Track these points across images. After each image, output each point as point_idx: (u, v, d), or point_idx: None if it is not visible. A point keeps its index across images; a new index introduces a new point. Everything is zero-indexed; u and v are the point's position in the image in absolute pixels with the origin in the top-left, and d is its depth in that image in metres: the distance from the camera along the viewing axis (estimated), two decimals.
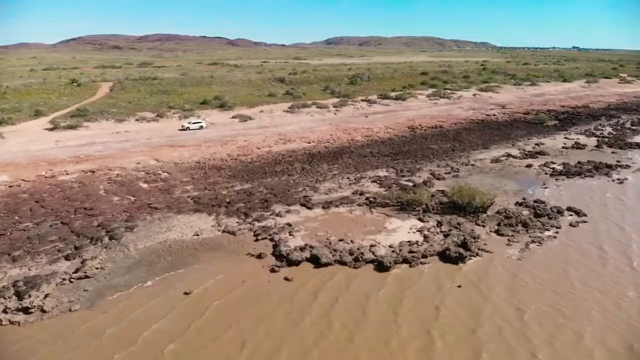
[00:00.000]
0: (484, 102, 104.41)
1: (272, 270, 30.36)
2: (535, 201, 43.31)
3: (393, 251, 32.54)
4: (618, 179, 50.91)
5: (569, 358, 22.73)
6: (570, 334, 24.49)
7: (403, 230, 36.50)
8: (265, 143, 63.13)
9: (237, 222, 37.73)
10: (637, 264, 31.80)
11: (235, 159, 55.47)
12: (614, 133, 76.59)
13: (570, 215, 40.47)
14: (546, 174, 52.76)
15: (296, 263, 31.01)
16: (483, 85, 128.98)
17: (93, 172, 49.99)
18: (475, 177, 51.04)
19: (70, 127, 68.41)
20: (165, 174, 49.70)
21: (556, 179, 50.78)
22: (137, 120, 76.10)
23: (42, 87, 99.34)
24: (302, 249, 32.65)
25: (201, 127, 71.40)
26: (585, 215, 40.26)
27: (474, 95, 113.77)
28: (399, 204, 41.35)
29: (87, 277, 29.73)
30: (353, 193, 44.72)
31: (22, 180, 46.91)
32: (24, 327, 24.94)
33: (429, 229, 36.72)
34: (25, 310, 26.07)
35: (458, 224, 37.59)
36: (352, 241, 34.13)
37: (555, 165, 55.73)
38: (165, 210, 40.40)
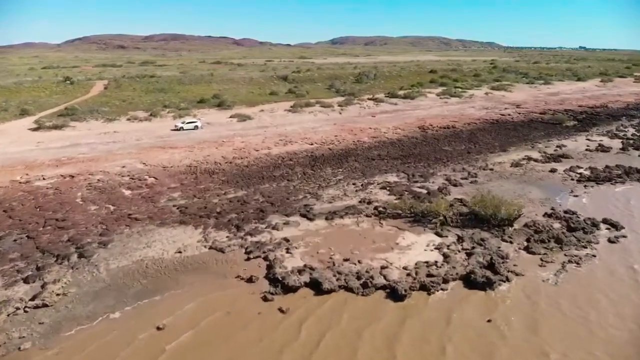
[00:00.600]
0: (497, 102, 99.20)
1: (265, 299, 25.38)
2: (565, 212, 38.22)
3: (408, 274, 27.52)
4: None
5: None
6: None
7: (419, 247, 31.45)
8: (264, 144, 58.23)
9: (227, 237, 32.82)
10: None
11: (231, 162, 50.58)
12: (638, 134, 71.23)
13: (607, 228, 35.34)
14: (572, 179, 47.60)
15: (293, 289, 26.03)
16: (495, 84, 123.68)
17: (72, 177, 45.23)
18: (495, 183, 45.97)
19: (56, 127, 63.80)
20: (151, 179, 44.88)
21: (585, 186, 45.61)
22: (128, 119, 71.44)
23: (33, 85, 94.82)
24: (300, 271, 27.68)
25: (196, 127, 66.67)
26: (623, 228, 35.21)
27: (486, 94, 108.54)
28: (413, 215, 36.32)
29: (45, 305, 25.01)
30: (360, 201, 39.74)
31: None
32: None
33: (448, 245, 31.65)
34: None
35: (482, 239, 32.52)
36: (359, 261, 29.11)
37: (581, 170, 50.50)
38: (147, 221, 35.56)
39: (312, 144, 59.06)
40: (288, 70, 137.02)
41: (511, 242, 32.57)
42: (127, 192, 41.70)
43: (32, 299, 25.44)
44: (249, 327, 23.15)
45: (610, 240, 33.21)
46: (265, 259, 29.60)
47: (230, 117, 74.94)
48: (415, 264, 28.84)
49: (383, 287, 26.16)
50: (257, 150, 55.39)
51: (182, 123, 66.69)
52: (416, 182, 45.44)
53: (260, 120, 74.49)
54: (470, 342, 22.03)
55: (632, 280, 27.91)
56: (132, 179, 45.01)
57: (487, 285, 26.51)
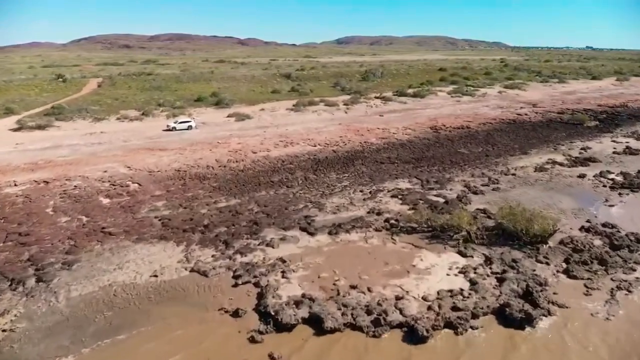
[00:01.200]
0: (512, 100, 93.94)
1: (252, 340, 20.45)
2: (604, 225, 33.15)
3: (429, 308, 22.51)
4: None
5: None
6: None
7: (440, 270, 26.41)
8: (262, 146, 53.34)
9: (212, 256, 27.93)
10: None
11: (224, 166, 45.72)
12: None
13: None
14: (605, 186, 42.45)
15: (288, 327, 21.08)
16: (507, 82, 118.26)
17: (47, 182, 40.53)
18: (519, 190, 40.90)
19: (39, 127, 59.23)
20: (134, 186, 40.11)
21: (619, 194, 40.47)
22: (117, 119, 66.83)
23: (24, 83, 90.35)
24: (298, 302, 22.72)
25: (190, 127, 61.98)
26: None
27: (500, 92, 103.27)
28: (431, 229, 31.32)
29: None
30: (369, 212, 34.77)
31: None
32: None
33: (475, 268, 26.59)
34: None
35: (514, 260, 27.46)
36: (369, 289, 24.11)
37: (613, 176, 45.29)
38: (122, 236, 30.76)
39: (315, 146, 54.14)
40: (292, 69, 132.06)
41: (548, 264, 27.51)
42: (105, 201, 36.93)
43: None
44: None
45: None
46: (256, 285, 24.68)
47: (228, 116, 70.17)
48: (437, 293, 23.81)
49: (399, 325, 21.16)
50: (254, 153, 50.51)
51: (175, 123, 62.04)
52: (431, 189, 40.43)
53: (260, 119, 69.61)
54: None
55: None
56: (113, 185, 40.25)
57: (526, 321, 21.49)
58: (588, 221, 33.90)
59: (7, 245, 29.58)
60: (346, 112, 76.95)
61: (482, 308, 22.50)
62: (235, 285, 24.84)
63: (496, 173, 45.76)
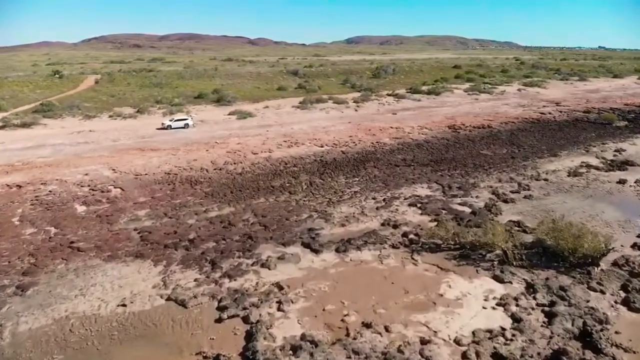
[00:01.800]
0: (533, 99, 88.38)
1: None
2: None
3: (464, 355, 17.48)
4: None
5: None
6: None
7: (474, 301, 21.33)
8: (264, 146, 48.48)
9: (195, 280, 23.06)
10: None
11: (220, 169, 40.93)
12: None
13: None
14: None
15: None
16: (526, 80, 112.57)
17: (20, 187, 36.01)
18: (554, 198, 35.67)
19: (24, 125, 54.93)
20: (116, 191, 35.44)
21: None
22: (110, 116, 62.43)
23: (19, 79, 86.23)
24: (296, 348, 17.79)
25: (186, 126, 57.36)
26: None
27: (519, 90, 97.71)
28: (458, 246, 26.28)
29: None
30: (383, 224, 29.77)
31: None
32: None
33: (516, 299, 21.48)
34: None
35: (562, 288, 22.31)
36: (387, 328, 19.08)
37: None
38: (93, 253, 26.02)
39: (322, 146, 49.18)
40: (300, 66, 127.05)
41: (603, 292, 22.32)
42: (81, 209, 32.25)
43: None
44: None
45: None
46: (245, 320, 19.79)
47: (229, 114, 65.47)
48: (473, 333, 18.75)
49: None
50: (255, 154, 45.66)
51: (170, 121, 57.46)
52: (454, 196, 35.31)
53: (264, 117, 64.77)
54: None
55: None
56: (93, 190, 35.59)
57: None
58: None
59: None
60: (356, 110, 71.88)
61: (531, 356, 17.45)
62: (220, 320, 19.94)
63: (526, 178, 40.54)
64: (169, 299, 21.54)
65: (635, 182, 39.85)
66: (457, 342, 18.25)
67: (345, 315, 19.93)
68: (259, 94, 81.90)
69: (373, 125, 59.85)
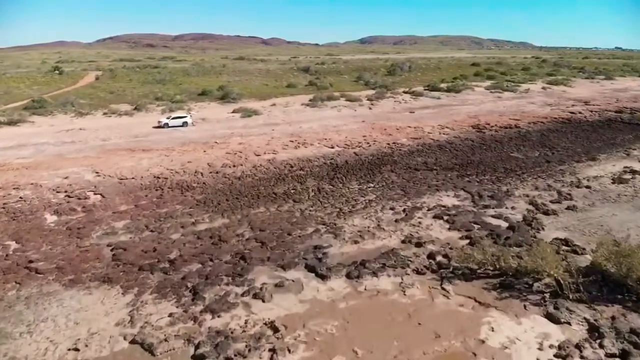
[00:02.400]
0: (560, 97, 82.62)
1: None
2: None
3: None
4: None
5: None
6: None
7: (525, 351, 16.29)
8: (268, 147, 43.74)
9: (169, 316, 18.30)
10: None
11: (217, 172, 36.24)
12: None
13: None
14: None
15: None
16: (549, 78, 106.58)
17: None
18: (601, 209, 30.44)
19: (10, 123, 50.87)
20: (95, 198, 30.89)
21: None
22: (104, 114, 58.18)
23: (17, 75, 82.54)
24: None
25: (185, 124, 52.87)
26: None
27: (543, 88, 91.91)
28: (498, 272, 21.24)
29: None
30: (404, 241, 24.81)
31: None
32: None
33: (580, 347, 16.41)
34: None
35: (634, 331, 17.23)
36: None
37: None
38: (52, 276, 21.43)
39: (332, 147, 44.30)
40: (312, 63, 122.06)
41: None
42: (51, 219, 27.72)
43: None
44: None
45: None
46: None
47: (233, 111, 60.85)
48: None
49: None
50: (257, 155, 40.93)
51: (168, 119, 53.02)
52: (487, 206, 30.19)
53: (270, 116, 59.99)
54: None
55: None
56: (69, 196, 31.07)
57: None
58: None
59: None
60: (370, 108, 66.82)
61: None
62: None
63: (565, 185, 35.28)
64: (134, 341, 16.82)
65: None
66: None
67: None
68: (267, 91, 77.18)
69: (389, 124, 54.78)
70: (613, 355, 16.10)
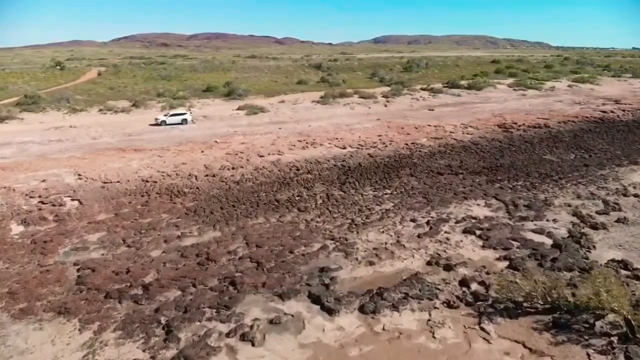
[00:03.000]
0: (588, 96, 77.41)
1: None
2: None
3: None
4: None
5: None
6: None
7: None
8: (273, 147, 39.62)
9: None
10: None
11: (214, 176, 32.18)
12: None
13: None
14: None
15: None
16: (574, 76, 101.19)
17: None
18: None
19: None
20: (71, 205, 27.00)
21: None
22: (100, 110, 54.52)
23: (17, 70, 79.45)
24: None
25: (184, 122, 49.02)
26: None
27: (570, 86, 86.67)
28: (550, 306, 16.87)
29: None
30: (430, 263, 20.52)
31: None
32: None
33: None
34: None
35: None
36: None
37: None
38: (1, 304, 17.48)
39: (344, 148, 40.06)
40: (324, 60, 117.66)
41: None
42: (16, 230, 23.87)
43: None
44: None
45: None
46: None
47: (238, 109, 56.84)
48: None
49: None
50: (261, 156, 36.84)
51: (165, 116, 49.15)
52: (524, 219, 25.73)
53: (277, 113, 55.82)
54: None
55: None
56: (43, 203, 27.21)
57: None
58: None
59: None
60: (386, 106, 62.36)
61: None
62: None
63: (610, 193, 30.66)
64: None
65: None
66: None
67: None
68: (276, 88, 73.10)
69: (406, 122, 50.34)
70: None
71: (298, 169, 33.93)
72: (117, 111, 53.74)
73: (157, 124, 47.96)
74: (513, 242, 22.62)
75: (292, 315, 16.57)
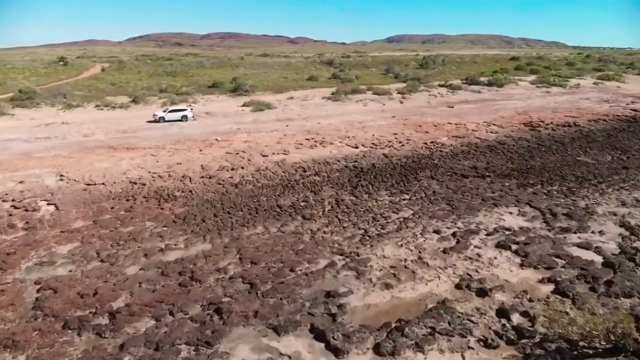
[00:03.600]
0: (615, 93, 72.94)
1: None
2: None
3: None
4: None
5: None
6: None
7: None
8: (279, 146, 36.21)
9: None
10: None
11: (210, 177, 28.84)
12: None
13: None
14: None
15: None
16: (598, 73, 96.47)
17: None
18: None
19: None
20: (46, 210, 23.88)
21: None
22: (97, 106, 51.53)
23: (19, 65, 77.09)
24: None
25: (184, 118, 45.86)
26: None
27: (595, 84, 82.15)
28: (614, 345, 13.23)
29: None
30: (459, 286, 17.00)
31: None
32: None
33: None
34: None
35: None
36: None
37: None
38: None
39: (356, 147, 36.54)
40: (336, 57, 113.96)
41: None
42: None
43: None
44: None
45: None
46: None
47: (243, 105, 53.55)
48: None
49: None
50: (264, 156, 33.44)
51: (164, 112, 45.98)
52: (565, 230, 22.03)
53: (285, 110, 52.37)
54: None
55: None
56: (15, 207, 24.14)
57: None
58: None
59: None
60: (402, 102, 58.64)
61: None
62: None
63: None
64: None
65: None
66: None
67: None
68: (285, 84, 69.70)
69: (424, 120, 46.62)
70: None
71: (305, 170, 30.49)
72: (115, 107, 50.71)
73: (155, 121, 44.85)
74: (556, 260, 18.98)
75: (289, 357, 13.17)
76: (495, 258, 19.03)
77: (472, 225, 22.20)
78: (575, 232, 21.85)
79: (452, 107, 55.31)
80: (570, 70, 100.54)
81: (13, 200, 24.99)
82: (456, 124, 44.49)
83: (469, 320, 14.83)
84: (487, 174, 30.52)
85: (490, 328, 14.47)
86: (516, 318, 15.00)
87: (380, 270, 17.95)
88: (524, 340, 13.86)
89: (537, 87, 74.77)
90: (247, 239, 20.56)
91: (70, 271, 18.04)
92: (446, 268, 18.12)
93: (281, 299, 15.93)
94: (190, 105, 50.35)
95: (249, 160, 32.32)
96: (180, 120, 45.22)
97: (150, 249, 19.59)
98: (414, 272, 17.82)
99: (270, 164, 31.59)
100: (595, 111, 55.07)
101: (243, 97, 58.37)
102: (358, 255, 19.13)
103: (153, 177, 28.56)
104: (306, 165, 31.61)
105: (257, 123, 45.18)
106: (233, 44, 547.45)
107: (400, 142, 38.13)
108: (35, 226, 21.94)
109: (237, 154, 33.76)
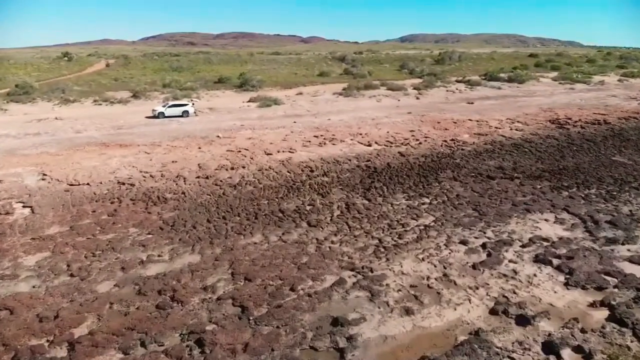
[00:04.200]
0: None
1: None
2: None
3: None
4: None
5: None
6: None
7: None
8: (285, 143, 33.39)
9: None
10: None
11: (207, 178, 26.11)
12: None
13: None
14: None
15: None
16: (622, 70, 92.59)
17: None
18: None
19: None
20: (20, 213, 21.31)
21: None
22: (95, 101, 49.18)
23: (23, 61, 75.22)
24: None
25: (185, 114, 43.39)
26: None
27: (620, 81, 78.44)
28: None
29: None
30: (494, 311, 14.00)
31: None
32: None
33: None
34: None
35: None
36: None
37: None
38: None
39: (369, 145, 33.60)
40: (349, 53, 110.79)
41: None
42: None
43: None
44: None
45: None
46: None
47: (249, 101, 50.89)
48: None
49: None
50: (268, 154, 30.66)
51: (163, 107, 43.47)
52: (612, 241, 18.90)
53: (293, 106, 49.55)
54: None
55: None
56: None
57: None
58: None
59: None
60: (418, 98, 55.56)
61: None
62: None
63: None
64: None
65: None
66: None
67: None
68: (294, 80, 66.84)
69: (443, 116, 43.54)
70: None
71: (312, 170, 27.62)
72: (114, 102, 48.33)
73: (154, 117, 42.34)
74: (607, 278, 15.91)
75: None
76: (535, 275, 16.00)
77: (504, 235, 19.18)
78: (623, 244, 18.73)
79: (472, 103, 52.10)
80: (592, 67, 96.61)
81: None
82: (477, 121, 41.34)
83: (509, 358, 11.88)
84: (516, 175, 27.41)
85: None
86: (568, 355, 12.01)
87: (399, 290, 15.02)
88: None
89: (560, 83, 71.23)
90: (243, 250, 17.75)
91: (33, 287, 15.37)
92: (477, 288, 15.14)
93: (278, 327, 13.07)
94: (192, 101, 47.83)
95: (251, 158, 29.54)
96: (181, 116, 42.68)
97: (129, 261, 16.85)
98: (439, 293, 14.86)
99: (274, 163, 28.77)
100: (625, 108, 51.58)
101: (250, 92, 55.65)
102: (372, 271, 16.22)
103: (144, 176, 25.89)
104: (314, 164, 28.75)
105: (262, 119, 42.42)
106: (246, 43, 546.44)
107: (417, 140, 35.11)
108: (5, 232, 19.35)
109: (239, 151, 31.00)
